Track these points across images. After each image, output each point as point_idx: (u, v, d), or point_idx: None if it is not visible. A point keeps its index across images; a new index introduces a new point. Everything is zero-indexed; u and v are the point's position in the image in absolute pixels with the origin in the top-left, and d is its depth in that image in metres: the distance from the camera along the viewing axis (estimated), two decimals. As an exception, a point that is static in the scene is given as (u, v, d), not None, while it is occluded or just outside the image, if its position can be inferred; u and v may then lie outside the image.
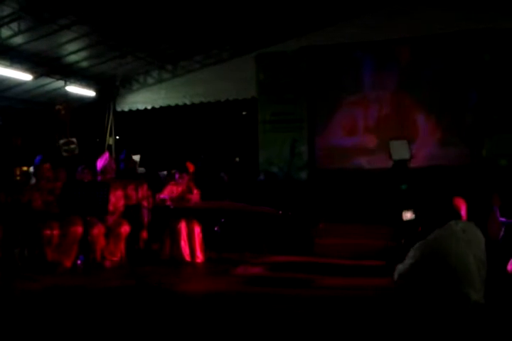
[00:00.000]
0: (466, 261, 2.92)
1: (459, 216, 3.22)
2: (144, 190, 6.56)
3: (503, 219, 5.06)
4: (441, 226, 3.07)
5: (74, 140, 9.89)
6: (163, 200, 6.52)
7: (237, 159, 12.18)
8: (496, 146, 8.32)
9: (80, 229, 5.65)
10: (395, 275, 3.14)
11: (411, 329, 3.02)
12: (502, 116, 8.38)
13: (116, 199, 6.21)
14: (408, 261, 3.04)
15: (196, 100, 11.00)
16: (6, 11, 7.11)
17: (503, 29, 8.21)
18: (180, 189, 6.72)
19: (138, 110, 11.63)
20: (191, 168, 7.48)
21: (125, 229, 6.07)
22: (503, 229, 5.00)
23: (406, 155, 7.71)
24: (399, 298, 3.21)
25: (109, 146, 11.36)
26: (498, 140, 8.32)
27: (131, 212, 6.38)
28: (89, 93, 10.98)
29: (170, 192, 6.69)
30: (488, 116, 8.47)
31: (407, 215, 5.15)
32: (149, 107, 11.48)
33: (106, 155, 6.51)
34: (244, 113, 12.22)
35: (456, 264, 2.90)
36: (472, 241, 3.03)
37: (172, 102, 11.21)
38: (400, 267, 3.09)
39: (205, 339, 3.51)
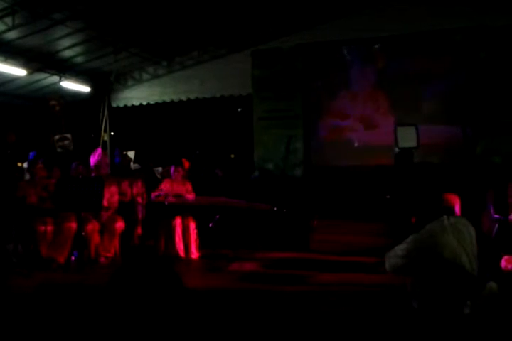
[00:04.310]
0: (457, 255, 2.95)
1: (452, 212, 3.24)
2: (138, 186, 6.56)
3: (496, 215, 5.08)
4: (433, 221, 3.10)
5: (68, 136, 9.86)
6: (158, 196, 6.51)
7: (233, 156, 12.18)
8: (490, 144, 8.35)
9: (74, 225, 5.63)
10: (387, 266, 3.16)
11: (407, 325, 3.04)
12: (497, 113, 8.40)
13: (111, 195, 6.20)
14: (400, 252, 3.07)
15: (192, 96, 10.97)
16: (0, 5, 7.05)
17: (497, 26, 8.24)
18: (175, 185, 6.72)
19: (133, 106, 11.59)
20: (186, 164, 7.47)
21: (119, 225, 6.05)
22: (496, 225, 5.02)
23: (413, 143, 6.98)
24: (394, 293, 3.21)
25: (104, 142, 11.31)
26: (492, 137, 8.34)
27: (125, 208, 6.37)
28: (84, 88, 10.93)
29: (165, 188, 6.68)
30: (483, 113, 8.49)
31: None
32: (144, 103, 11.45)
33: (98, 150, 6.48)
34: (239, 109, 12.20)
35: (447, 258, 2.92)
36: (463, 235, 3.07)
37: (167, 98, 11.17)
38: (392, 260, 3.11)
39: (198, 336, 3.51)
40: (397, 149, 7.22)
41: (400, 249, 3.09)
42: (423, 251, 2.99)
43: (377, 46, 9.27)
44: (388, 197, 7.42)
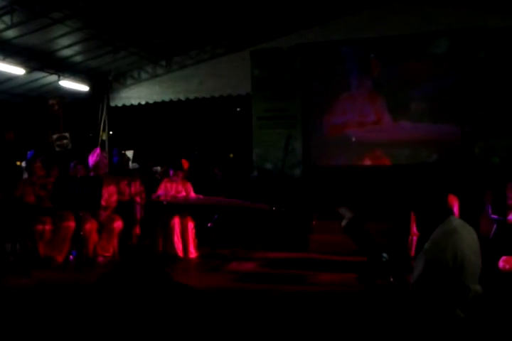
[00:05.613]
0: (469, 255, 2.96)
1: (451, 213, 3.25)
2: (137, 186, 6.54)
3: (494, 216, 5.08)
4: (441, 223, 3.09)
5: (67, 135, 9.86)
6: (157, 197, 6.50)
7: (231, 155, 12.18)
8: (489, 144, 8.35)
9: (72, 225, 5.63)
10: (413, 290, 3.16)
11: (407, 325, 3.04)
12: (496, 113, 8.40)
13: (109, 194, 6.19)
14: (416, 272, 3.08)
15: (190, 96, 10.94)
16: (-1, 4, 7.04)
17: (497, 28, 8.26)
18: (174, 186, 6.71)
19: (132, 105, 11.56)
20: (186, 164, 7.46)
21: (118, 224, 6.05)
22: (494, 226, 5.02)
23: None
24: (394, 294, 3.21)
25: (103, 141, 11.30)
26: (491, 138, 8.35)
27: (124, 208, 6.36)
28: (83, 88, 10.91)
29: (164, 189, 6.67)
30: (482, 113, 8.50)
31: (345, 214, 5.06)
32: (143, 102, 11.42)
33: (97, 150, 6.47)
34: (238, 109, 12.19)
35: (461, 258, 2.93)
36: (470, 236, 3.07)
37: (166, 98, 11.15)
38: (413, 279, 3.11)
39: (195, 335, 3.51)
40: None
41: (415, 267, 3.09)
42: (443, 253, 2.97)
43: (372, 55, 9.31)
44: (387, 197, 7.43)
